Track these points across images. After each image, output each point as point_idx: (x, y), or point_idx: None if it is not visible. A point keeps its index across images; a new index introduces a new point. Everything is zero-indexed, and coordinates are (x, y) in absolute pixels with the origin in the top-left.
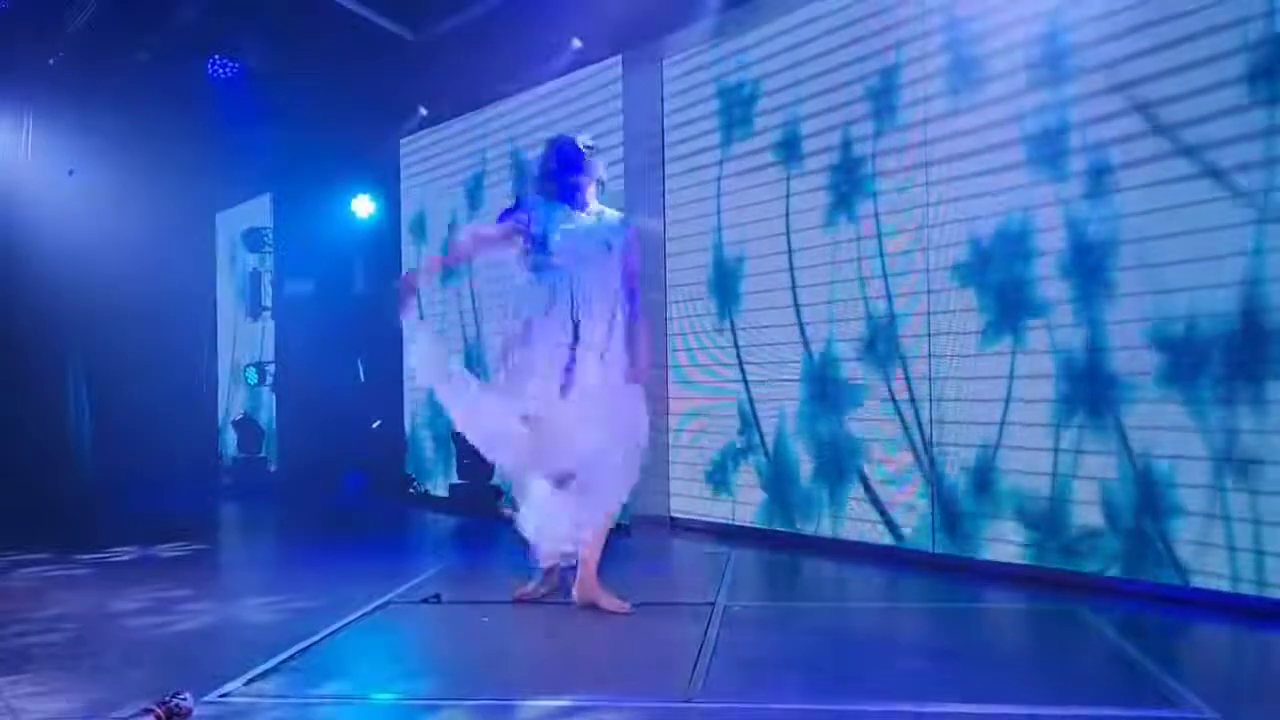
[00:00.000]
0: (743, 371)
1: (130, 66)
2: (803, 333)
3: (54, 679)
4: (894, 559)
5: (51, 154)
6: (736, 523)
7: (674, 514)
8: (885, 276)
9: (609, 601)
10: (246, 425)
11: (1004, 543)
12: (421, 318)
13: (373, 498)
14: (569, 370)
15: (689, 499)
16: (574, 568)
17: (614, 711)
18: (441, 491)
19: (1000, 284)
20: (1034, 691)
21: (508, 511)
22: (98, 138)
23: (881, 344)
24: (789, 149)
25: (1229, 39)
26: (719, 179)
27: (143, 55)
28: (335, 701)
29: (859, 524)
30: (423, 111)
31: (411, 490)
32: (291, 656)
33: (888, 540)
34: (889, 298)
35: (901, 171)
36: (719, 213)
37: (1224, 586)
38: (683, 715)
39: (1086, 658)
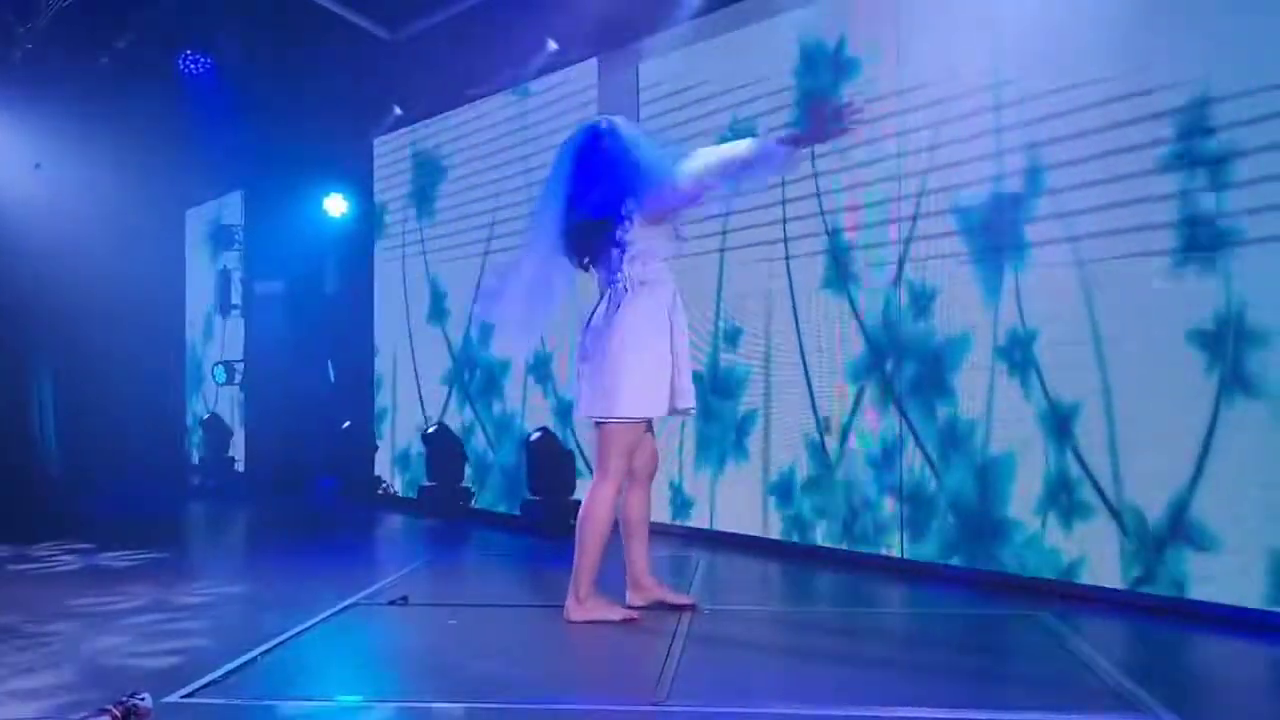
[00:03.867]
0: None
1: (101, 59)
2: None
3: (6, 682)
4: (861, 564)
5: (18, 148)
6: (703, 527)
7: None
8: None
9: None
10: (214, 425)
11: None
12: None
13: (341, 499)
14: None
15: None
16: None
17: (582, 715)
18: (410, 493)
19: None
20: (999, 697)
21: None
22: (66, 131)
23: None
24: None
25: None
26: None
27: (114, 49)
28: (297, 702)
29: (826, 529)
30: (397, 111)
31: (381, 492)
32: (254, 658)
33: (855, 545)
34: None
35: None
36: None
37: (1187, 594)
38: (652, 719)
39: (1050, 663)
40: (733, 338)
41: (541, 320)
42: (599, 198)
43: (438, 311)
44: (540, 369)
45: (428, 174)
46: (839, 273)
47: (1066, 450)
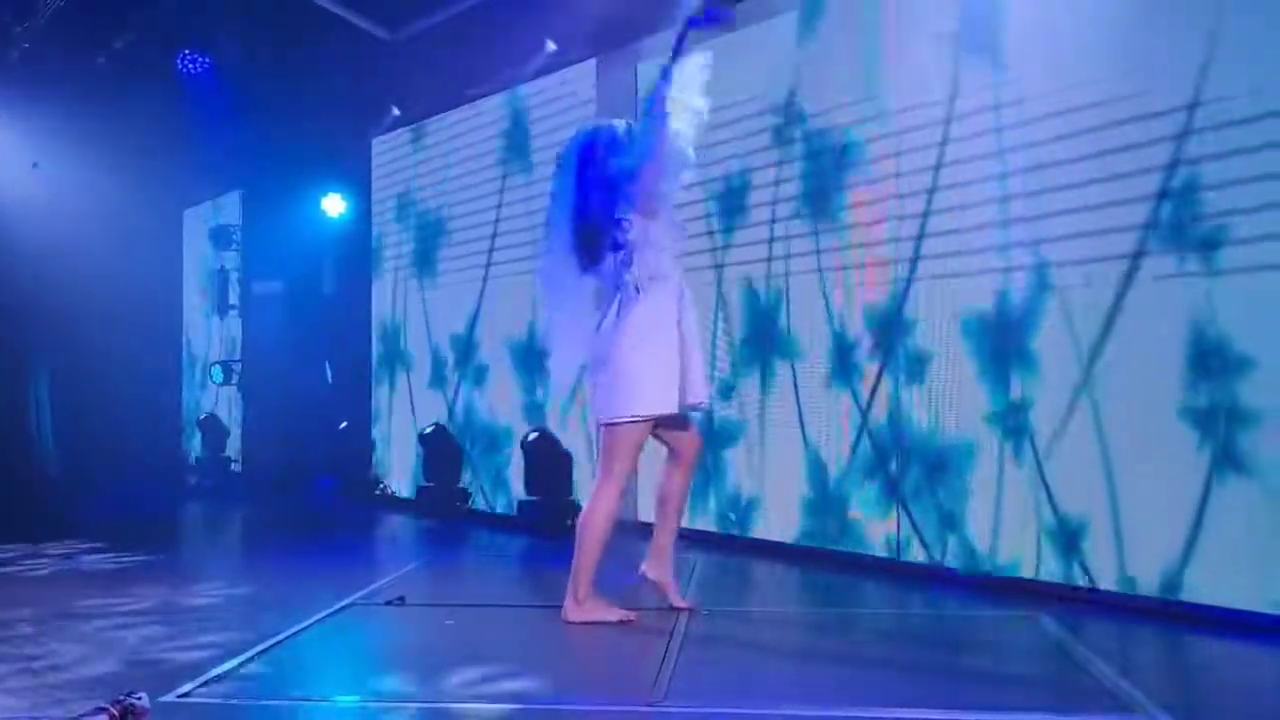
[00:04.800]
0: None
1: (99, 59)
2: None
3: (4, 680)
4: (856, 565)
5: (17, 148)
6: (702, 529)
7: (642, 519)
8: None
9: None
10: (211, 424)
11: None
12: None
13: (339, 499)
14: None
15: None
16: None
17: (580, 716)
18: (408, 493)
19: None
20: (997, 697)
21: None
22: (65, 132)
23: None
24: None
25: None
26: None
27: (112, 48)
28: (294, 702)
29: (821, 531)
30: (395, 111)
31: (378, 492)
32: (251, 658)
33: (849, 546)
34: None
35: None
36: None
37: (1181, 595)
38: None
39: (1048, 664)
40: (726, 393)
41: (585, 331)
42: (598, 204)
43: (438, 378)
44: (534, 412)
45: (429, 232)
46: (841, 367)
47: (1074, 563)
